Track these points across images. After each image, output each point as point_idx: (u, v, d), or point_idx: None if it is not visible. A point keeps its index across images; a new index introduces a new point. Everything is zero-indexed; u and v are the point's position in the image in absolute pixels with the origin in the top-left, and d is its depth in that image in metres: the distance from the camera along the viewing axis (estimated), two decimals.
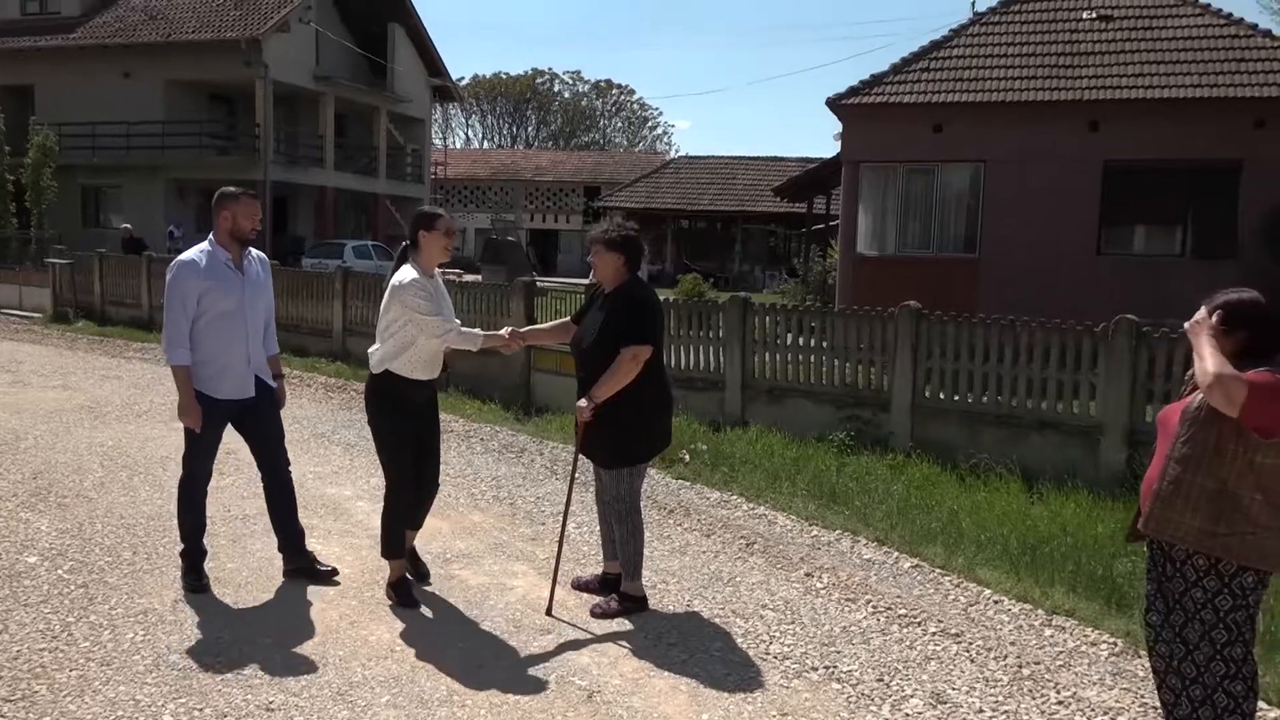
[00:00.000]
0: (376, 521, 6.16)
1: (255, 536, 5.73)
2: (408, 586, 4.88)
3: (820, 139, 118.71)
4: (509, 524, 6.26)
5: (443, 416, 9.78)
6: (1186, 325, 3.31)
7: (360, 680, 3.97)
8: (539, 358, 10.75)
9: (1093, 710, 3.90)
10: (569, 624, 4.64)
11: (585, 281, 4.96)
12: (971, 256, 15.30)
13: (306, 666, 4.07)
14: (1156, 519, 3.23)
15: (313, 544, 5.64)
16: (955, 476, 7.43)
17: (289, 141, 31.45)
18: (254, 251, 5.04)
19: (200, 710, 3.67)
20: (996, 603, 5.13)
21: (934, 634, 4.68)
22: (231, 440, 8.29)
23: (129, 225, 23.21)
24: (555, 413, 9.80)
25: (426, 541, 5.78)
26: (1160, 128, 14.18)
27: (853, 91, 15.92)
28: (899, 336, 8.35)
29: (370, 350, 4.82)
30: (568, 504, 5.03)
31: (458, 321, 4.79)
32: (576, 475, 5.11)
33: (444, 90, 39.90)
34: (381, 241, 31.20)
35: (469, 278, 20.05)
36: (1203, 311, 3.24)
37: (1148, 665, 3.57)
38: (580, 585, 5.08)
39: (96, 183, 30.11)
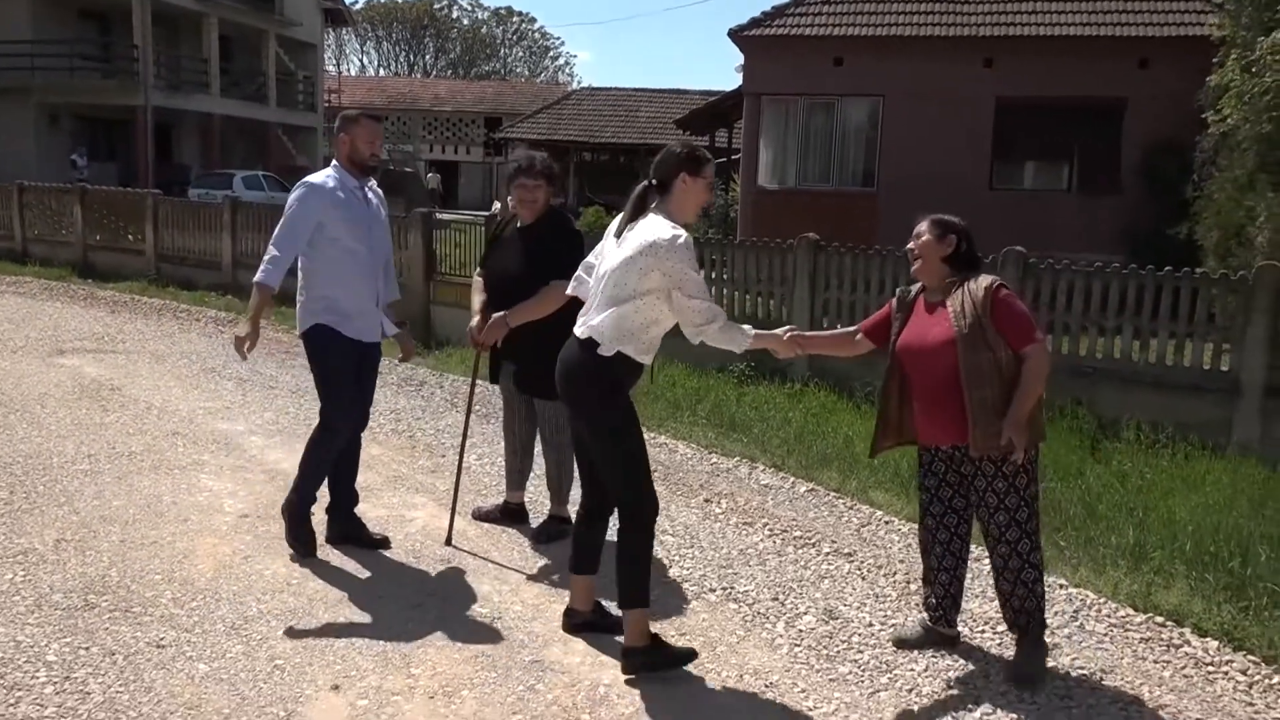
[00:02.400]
0: (271, 456, 6.08)
1: (142, 474, 5.55)
2: (668, 647, 3.66)
3: (723, 72, 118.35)
4: (408, 456, 6.20)
5: None
6: (910, 246, 3.72)
7: (255, 614, 3.91)
8: (439, 290, 10.59)
9: (974, 621, 4.09)
10: (469, 554, 4.64)
11: (486, 214, 4.80)
12: (870, 190, 15.54)
13: (199, 602, 3.99)
14: (981, 439, 3.50)
15: (205, 479, 5.53)
16: (851, 404, 7.62)
17: (170, 65, 29.85)
18: (373, 182, 4.56)
19: (87, 649, 3.56)
20: (887, 523, 5.31)
21: (827, 554, 4.83)
22: (116, 376, 8.03)
23: None
24: (456, 346, 9.69)
25: None
26: (1050, 65, 14.52)
27: (755, 23, 15.87)
28: (797, 268, 8.46)
29: (589, 322, 3.53)
30: (465, 434, 5.00)
31: (719, 308, 3.53)
32: (474, 406, 5.07)
33: (336, 14, 38.42)
34: (273, 172, 30.09)
35: None
36: (925, 231, 3.67)
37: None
38: (481, 516, 5.07)
39: None
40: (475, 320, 4.71)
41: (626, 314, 3.44)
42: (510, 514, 5.03)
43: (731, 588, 4.36)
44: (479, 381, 5.12)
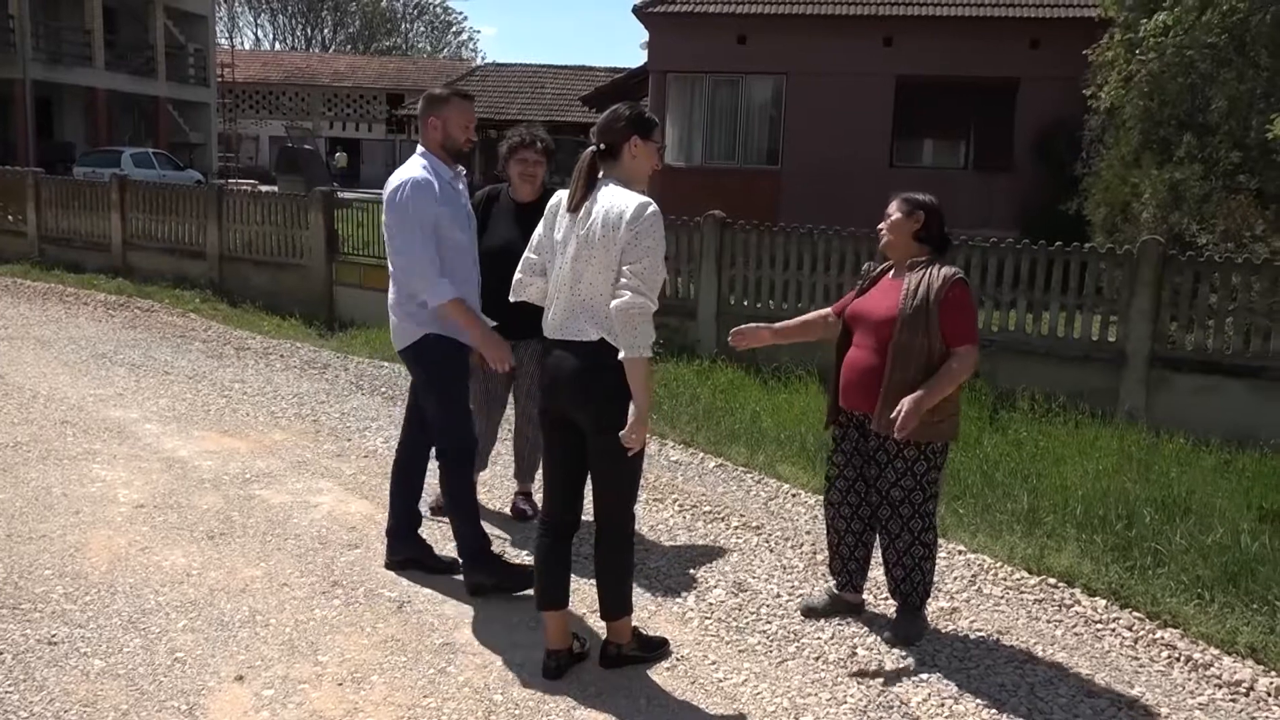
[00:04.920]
0: (167, 444, 5.88)
1: (29, 464, 5.32)
2: (648, 638, 3.62)
3: (629, 48, 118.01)
4: (312, 441, 6.07)
5: (238, 334, 9.43)
6: (880, 226, 3.82)
7: (154, 607, 3.79)
8: (341, 271, 10.37)
9: (879, 588, 4.20)
10: (376, 538, 4.56)
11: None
12: (774, 168, 15.71)
13: (92, 597, 3.84)
14: (884, 419, 3.54)
15: (97, 469, 5.32)
16: (758, 380, 7.72)
17: (50, 36, 28.45)
18: (462, 169, 4.09)
19: None
20: (794, 496, 5.40)
21: (736, 528, 4.90)
22: None
23: None
24: (360, 327, 9.51)
25: (224, 462, 5.54)
26: (947, 45, 14.86)
27: None
28: (704, 246, 8.52)
29: (587, 328, 3.17)
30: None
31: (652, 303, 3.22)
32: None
33: None
34: (164, 149, 28.99)
35: (265, 189, 18.98)
36: (895, 209, 3.77)
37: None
38: (440, 509, 4.64)
39: None
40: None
41: (639, 298, 3.08)
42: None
43: (642, 564, 4.39)
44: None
